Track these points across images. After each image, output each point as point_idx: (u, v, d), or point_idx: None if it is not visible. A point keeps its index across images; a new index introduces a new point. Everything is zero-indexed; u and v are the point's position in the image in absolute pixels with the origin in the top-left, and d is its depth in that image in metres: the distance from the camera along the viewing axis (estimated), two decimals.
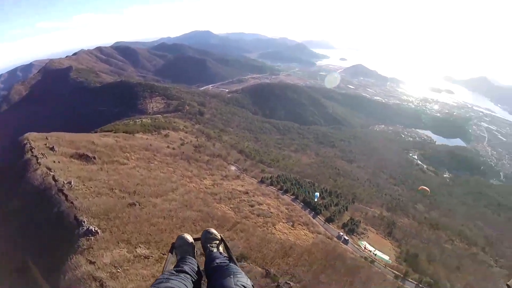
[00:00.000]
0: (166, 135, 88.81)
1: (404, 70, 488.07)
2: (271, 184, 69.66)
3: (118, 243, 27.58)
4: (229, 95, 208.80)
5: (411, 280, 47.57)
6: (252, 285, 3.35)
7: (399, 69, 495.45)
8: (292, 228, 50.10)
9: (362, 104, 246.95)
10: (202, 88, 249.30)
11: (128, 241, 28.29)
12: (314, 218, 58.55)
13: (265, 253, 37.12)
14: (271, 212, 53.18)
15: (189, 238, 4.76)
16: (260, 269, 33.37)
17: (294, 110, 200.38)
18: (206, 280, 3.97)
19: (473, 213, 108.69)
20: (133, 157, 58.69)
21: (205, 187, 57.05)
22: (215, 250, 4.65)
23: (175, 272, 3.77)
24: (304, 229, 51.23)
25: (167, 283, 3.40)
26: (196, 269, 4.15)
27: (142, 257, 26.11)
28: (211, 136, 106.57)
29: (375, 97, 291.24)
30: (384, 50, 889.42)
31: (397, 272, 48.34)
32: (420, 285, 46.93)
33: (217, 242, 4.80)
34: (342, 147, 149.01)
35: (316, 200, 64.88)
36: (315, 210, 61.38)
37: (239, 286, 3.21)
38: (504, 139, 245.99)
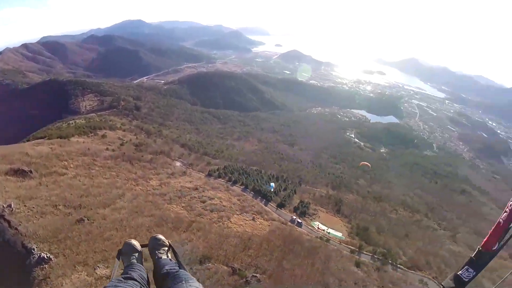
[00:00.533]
0: (104, 136, 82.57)
1: (337, 54, 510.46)
2: (219, 177, 68.55)
3: (75, 266, 25.93)
4: (165, 87, 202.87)
5: (366, 253, 49.55)
6: None
7: (333, 53, 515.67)
8: (249, 220, 49.89)
9: (298, 88, 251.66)
10: (136, 81, 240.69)
11: (85, 263, 26.72)
12: (266, 205, 58.69)
13: (226, 250, 37.01)
14: (223, 206, 52.62)
15: (137, 244, 4.51)
16: (225, 267, 33.16)
17: (233, 98, 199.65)
18: (155, 287, 3.90)
19: (412, 183, 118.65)
20: (71, 165, 54.62)
21: (153, 188, 55.02)
22: (163, 256, 4.42)
23: (123, 279, 3.63)
24: (258, 218, 51.30)
25: None
26: (145, 276, 3.98)
27: (104, 278, 24.80)
28: (151, 132, 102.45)
29: (311, 81, 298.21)
30: (318, 35, 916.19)
31: (352, 247, 50.21)
32: (375, 256, 48.83)
33: (166, 248, 4.57)
34: (282, 132, 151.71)
35: (272, 190, 65.07)
36: (265, 197, 61.47)
37: None
38: (435, 114, 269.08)
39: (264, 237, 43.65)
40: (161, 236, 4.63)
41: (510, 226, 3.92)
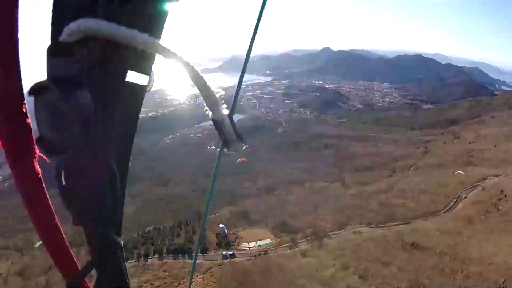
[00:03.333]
0: None
1: (163, 78, 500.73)
2: (127, 260, 58.78)
3: None
4: None
5: (300, 241, 51.51)
6: None
7: (159, 79, 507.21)
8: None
9: (143, 125, 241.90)
10: None
11: None
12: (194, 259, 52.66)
13: None
14: None
15: None
16: None
17: None
18: None
19: (285, 160, 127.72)
20: None
21: None
22: None
23: None
24: (199, 276, 46.40)
25: None
26: None
27: None
28: None
29: (151, 113, 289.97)
30: None
31: (286, 245, 51.46)
32: (309, 239, 51.71)
33: None
34: (151, 175, 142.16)
35: (225, 231, 59.90)
36: (187, 252, 54.26)
37: None
38: (270, 96, 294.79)
39: None
40: None
41: None
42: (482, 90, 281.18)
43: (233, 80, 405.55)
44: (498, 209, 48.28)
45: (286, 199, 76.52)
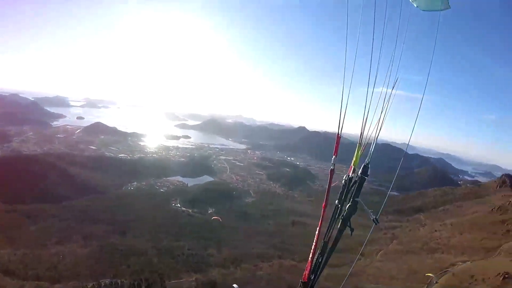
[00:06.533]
0: None
1: (141, 124, 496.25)
2: None
3: None
4: None
5: None
6: None
7: (137, 123, 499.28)
8: None
9: (109, 165, 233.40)
10: None
11: None
12: None
13: None
14: None
15: None
16: None
17: (41, 187, 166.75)
18: None
19: (253, 232, 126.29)
20: None
21: None
22: None
23: None
24: None
25: None
26: None
27: None
28: None
29: (120, 155, 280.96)
30: (121, 104, 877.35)
31: None
32: None
33: None
34: (108, 220, 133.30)
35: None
36: None
37: None
38: (242, 164, 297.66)
39: None
40: None
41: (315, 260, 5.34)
42: (447, 180, 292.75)
43: (209, 140, 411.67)
44: None
45: (256, 274, 73.02)
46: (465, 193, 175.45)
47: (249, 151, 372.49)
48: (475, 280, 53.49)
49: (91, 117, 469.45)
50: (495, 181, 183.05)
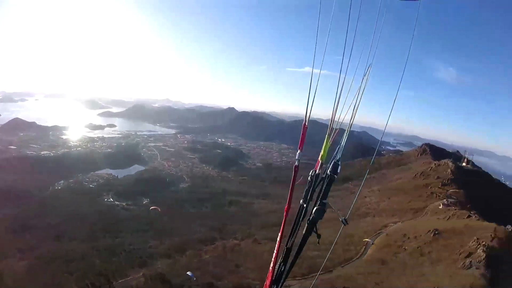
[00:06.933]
0: None
1: (62, 115, 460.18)
2: None
3: None
4: None
5: None
6: None
7: (58, 115, 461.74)
8: None
9: (30, 164, 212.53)
10: None
11: None
12: None
13: None
14: None
15: None
16: None
17: None
18: None
19: (191, 218, 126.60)
20: None
21: None
22: None
23: None
24: None
25: None
26: None
27: None
28: None
29: (42, 152, 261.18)
30: (39, 96, 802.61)
31: None
32: None
33: None
34: (41, 226, 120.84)
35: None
36: None
37: None
38: (173, 149, 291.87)
39: None
40: None
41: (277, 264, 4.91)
42: (370, 150, 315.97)
43: (136, 127, 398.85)
44: (405, 249, 54.24)
45: (202, 259, 74.46)
46: (388, 161, 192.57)
47: (178, 135, 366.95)
48: (408, 238, 59.51)
49: (7, 113, 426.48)
50: (416, 150, 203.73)
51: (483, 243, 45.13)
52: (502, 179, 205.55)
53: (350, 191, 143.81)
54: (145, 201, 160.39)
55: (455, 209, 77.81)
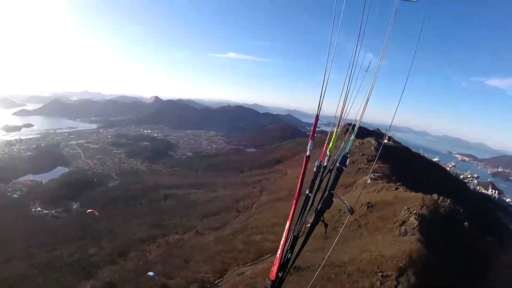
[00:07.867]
0: None
1: None
2: None
3: None
4: None
5: None
6: None
7: None
8: None
9: None
10: None
11: None
12: None
13: None
14: None
15: None
16: None
17: None
18: None
19: (127, 215, 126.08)
20: None
21: None
22: None
23: None
24: None
25: None
26: None
27: None
28: None
29: None
30: None
31: None
32: None
33: None
34: None
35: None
36: None
37: None
38: (97, 146, 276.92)
39: None
40: None
41: (285, 256, 5.17)
42: (296, 132, 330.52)
43: (55, 125, 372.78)
44: (343, 223, 55.02)
45: (148, 260, 73.12)
46: (314, 142, 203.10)
47: (101, 130, 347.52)
48: (344, 212, 59.96)
49: None
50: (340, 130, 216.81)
51: (414, 211, 50.71)
52: (421, 152, 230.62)
53: (282, 172, 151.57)
54: (75, 206, 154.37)
55: (383, 183, 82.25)
